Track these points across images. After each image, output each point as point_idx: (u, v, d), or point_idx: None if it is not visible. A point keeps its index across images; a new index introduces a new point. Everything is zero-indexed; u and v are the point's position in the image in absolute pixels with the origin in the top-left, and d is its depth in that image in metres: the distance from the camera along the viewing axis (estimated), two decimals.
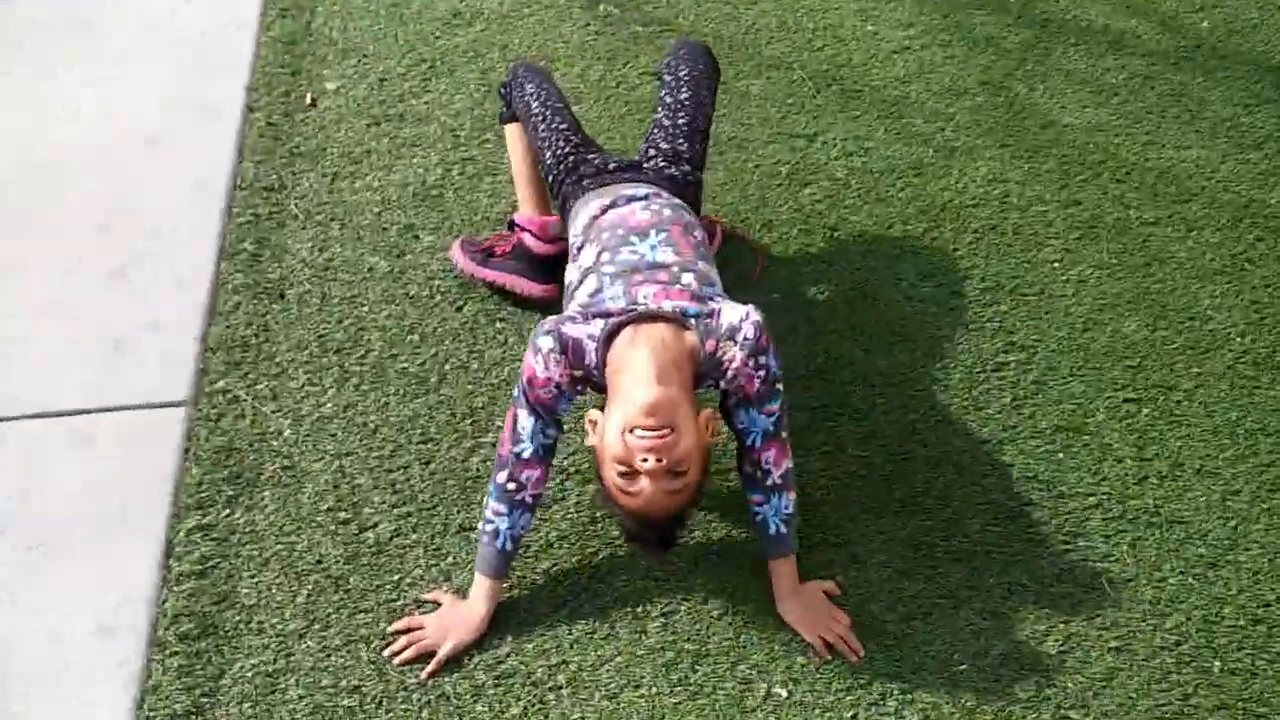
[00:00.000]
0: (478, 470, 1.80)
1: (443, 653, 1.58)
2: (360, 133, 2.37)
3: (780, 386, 1.63)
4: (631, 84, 2.54)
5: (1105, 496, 1.86)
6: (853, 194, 2.34)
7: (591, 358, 1.57)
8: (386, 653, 1.58)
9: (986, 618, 1.69)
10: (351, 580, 1.66)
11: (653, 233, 1.71)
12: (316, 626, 1.61)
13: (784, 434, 1.65)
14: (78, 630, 1.60)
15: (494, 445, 1.83)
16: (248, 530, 1.71)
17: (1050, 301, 2.17)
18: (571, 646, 1.61)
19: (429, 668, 1.57)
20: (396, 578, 1.67)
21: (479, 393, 1.92)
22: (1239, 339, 2.14)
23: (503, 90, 2.05)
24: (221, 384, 1.90)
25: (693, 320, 1.59)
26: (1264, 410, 2.02)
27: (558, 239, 1.99)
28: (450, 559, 1.70)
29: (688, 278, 1.66)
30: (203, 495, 1.74)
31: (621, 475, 1.49)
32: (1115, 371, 2.06)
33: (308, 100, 2.44)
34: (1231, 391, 2.05)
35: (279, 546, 1.69)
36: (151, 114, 2.40)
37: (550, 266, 2.01)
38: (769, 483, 1.64)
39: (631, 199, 1.78)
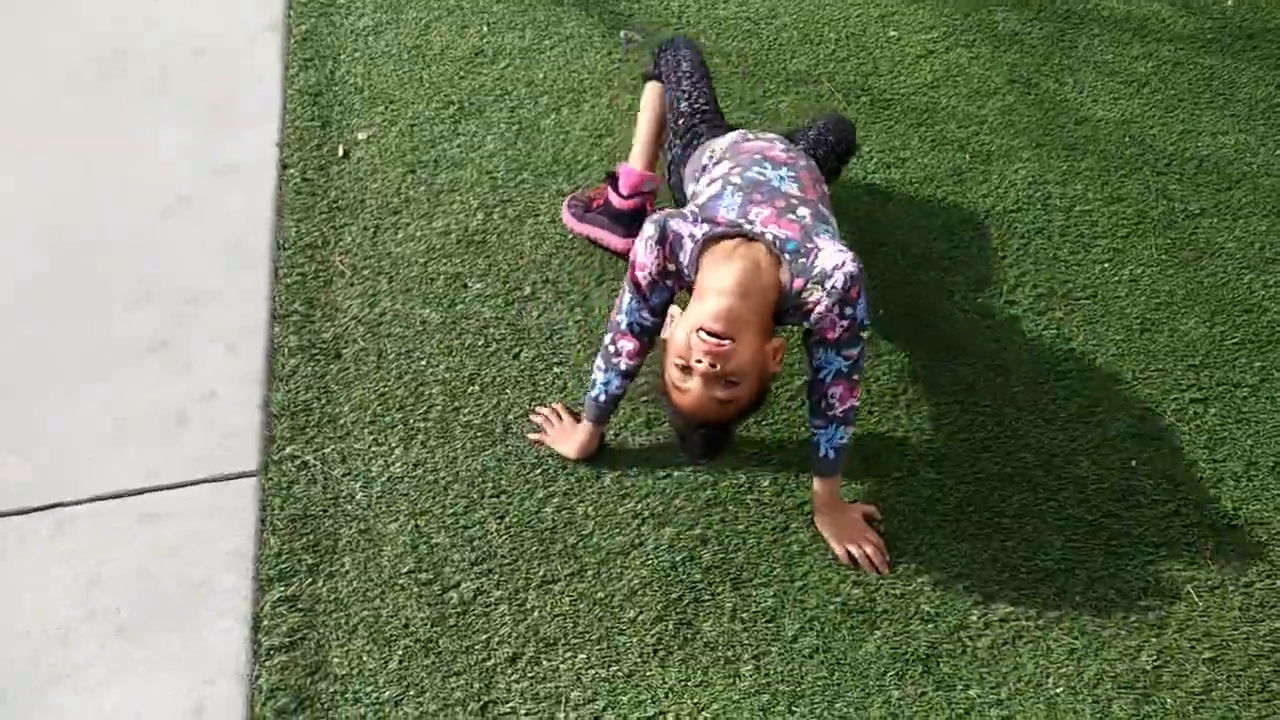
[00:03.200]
0: (553, 521, 1.80)
1: (554, 447, 1.88)
2: (396, 181, 2.37)
3: (865, 335, 1.68)
4: None
5: (1183, 503, 1.85)
6: (895, 207, 2.33)
7: (687, 256, 1.67)
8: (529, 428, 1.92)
9: (1077, 636, 1.68)
10: (440, 643, 1.66)
11: (785, 168, 1.81)
12: (411, 693, 1.61)
13: (856, 376, 1.70)
14: (172, 712, 1.60)
15: (565, 494, 1.83)
16: (332, 599, 1.71)
17: (1105, 304, 2.16)
18: (666, 696, 1.61)
19: (534, 436, 1.91)
20: (484, 637, 1.67)
21: None
22: None
23: (657, 49, 2.17)
24: (289, 450, 1.90)
25: (788, 255, 1.64)
26: None
27: (636, 194, 2.11)
28: (536, 614, 1.69)
29: (803, 211, 1.72)
30: (284, 566, 1.74)
31: (678, 369, 1.58)
32: (1179, 372, 2.04)
33: (340, 152, 2.43)
34: None
35: (365, 613, 1.69)
36: (182, 177, 2.40)
37: (630, 220, 2.10)
38: (830, 414, 1.70)
39: (774, 141, 1.92)
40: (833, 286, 1.61)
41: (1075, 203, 2.35)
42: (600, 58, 2.67)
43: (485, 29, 2.74)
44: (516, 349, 2.05)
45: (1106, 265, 2.23)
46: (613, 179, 2.17)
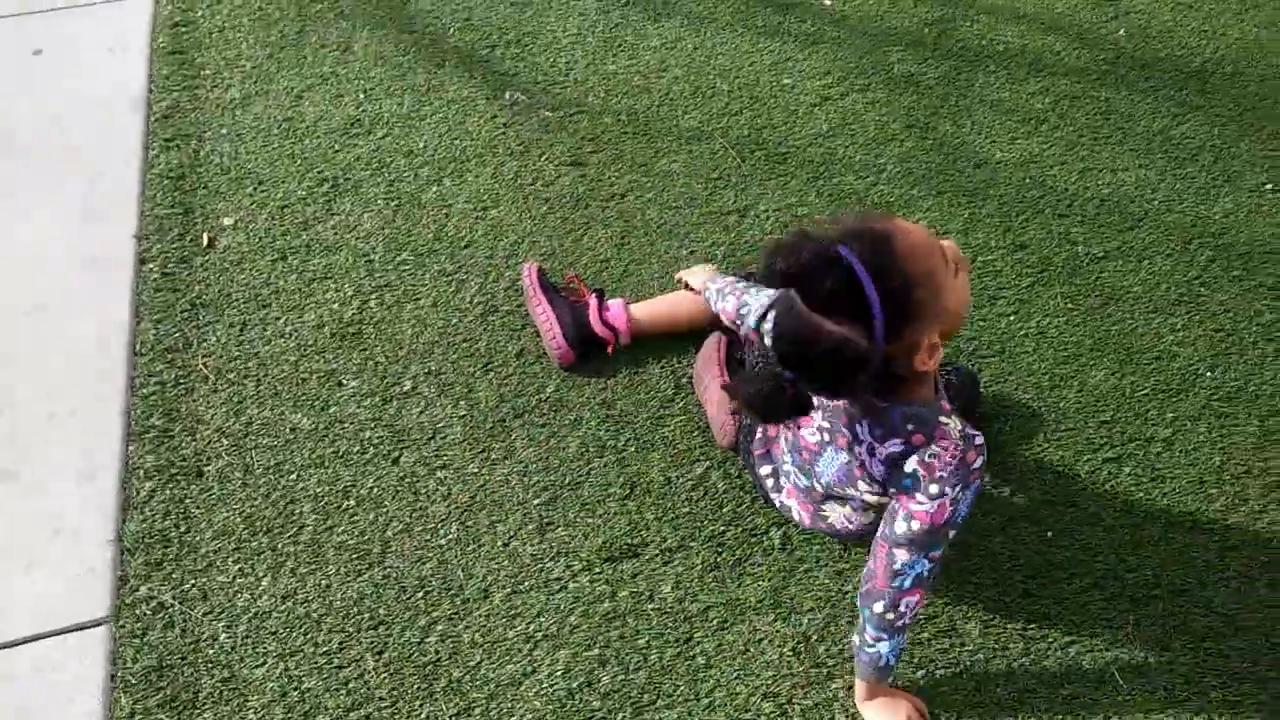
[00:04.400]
0: (436, 652, 1.66)
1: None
2: (265, 271, 2.21)
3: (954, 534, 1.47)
4: (548, 177, 2.41)
5: (1101, 575, 1.77)
6: None
7: None
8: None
9: None
10: None
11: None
12: None
13: (932, 579, 1.50)
14: None
15: (450, 619, 1.69)
16: None
17: (1013, 360, 2.08)
18: None
19: None
20: None
21: (427, 558, 1.77)
22: (1208, 374, 2.07)
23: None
24: (144, 590, 1.73)
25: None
26: (1245, 450, 1.95)
27: (613, 330, 2.02)
28: None
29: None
30: None
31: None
32: (1090, 429, 1.97)
33: (204, 241, 2.27)
34: (1210, 434, 1.97)
35: None
36: (30, 276, 2.22)
37: (587, 341, 2.02)
38: (899, 625, 1.51)
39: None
40: (965, 433, 1.43)
41: (978, 253, 2.28)
42: (484, 122, 2.54)
43: (361, 96, 2.60)
44: (395, 453, 1.90)
45: (1013, 318, 2.16)
46: (600, 295, 2.06)
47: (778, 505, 1.71)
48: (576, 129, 2.52)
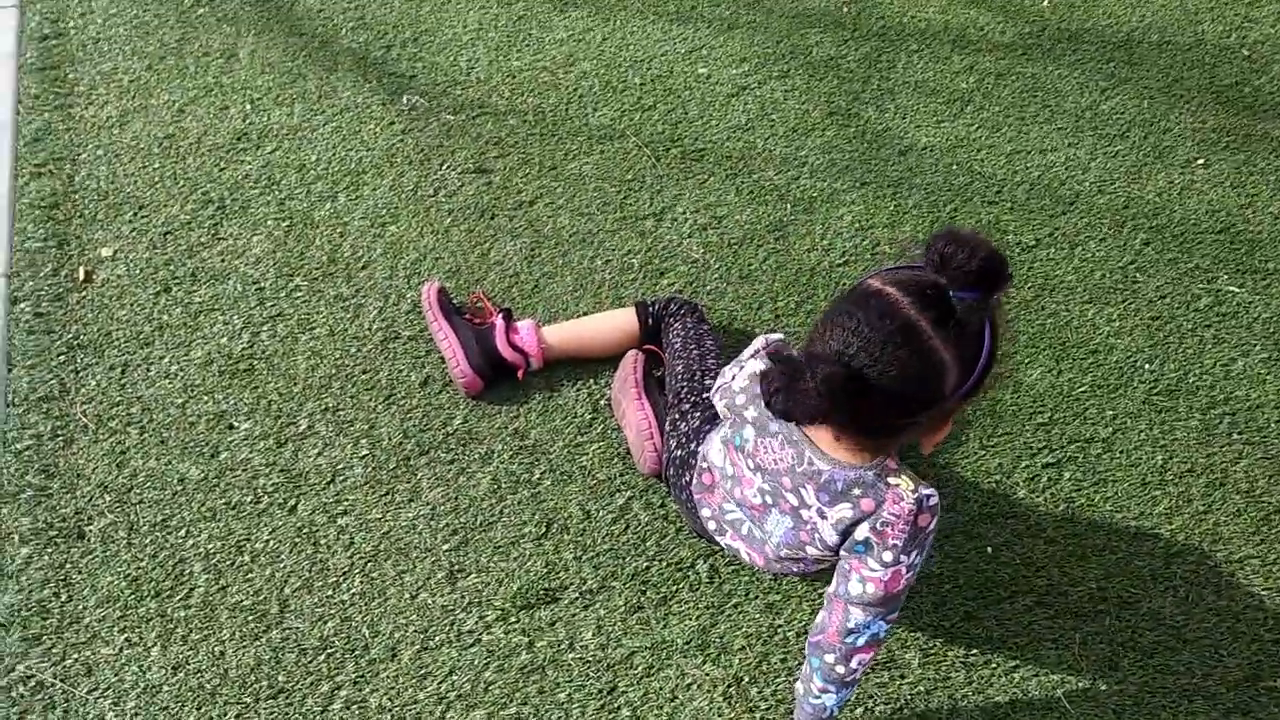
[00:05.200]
0: (340, 718, 1.53)
1: None
2: (148, 305, 2.05)
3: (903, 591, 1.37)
4: (451, 187, 2.26)
5: (1045, 590, 1.69)
6: (714, 275, 2.12)
7: None
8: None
9: None
10: None
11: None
12: None
13: (884, 638, 1.41)
14: None
15: (355, 682, 1.57)
16: None
17: None
18: None
19: None
20: None
21: (329, 615, 1.64)
22: (1147, 366, 2.00)
23: (668, 304, 1.90)
24: (21, 669, 1.58)
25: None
26: (1187, 446, 1.88)
27: (522, 354, 1.87)
28: None
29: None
30: None
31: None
32: (1028, 433, 1.89)
33: (80, 275, 2.10)
34: (1151, 432, 1.90)
35: None
36: None
37: (495, 366, 1.87)
38: (850, 680, 1.42)
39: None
40: (918, 495, 1.33)
41: (906, 247, 2.18)
42: (381, 130, 2.38)
43: (248, 107, 2.42)
44: (292, 501, 1.77)
45: None
46: (508, 315, 1.92)
47: (723, 546, 1.61)
48: (480, 132, 2.37)
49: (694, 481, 1.59)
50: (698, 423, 1.63)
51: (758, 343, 1.55)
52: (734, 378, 1.50)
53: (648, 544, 1.71)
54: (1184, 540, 1.75)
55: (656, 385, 1.83)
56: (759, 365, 1.46)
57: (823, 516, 1.37)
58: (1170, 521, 1.78)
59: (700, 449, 1.58)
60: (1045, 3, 2.79)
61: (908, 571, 1.34)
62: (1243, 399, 1.95)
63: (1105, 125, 2.47)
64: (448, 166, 2.30)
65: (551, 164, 2.31)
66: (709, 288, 2.09)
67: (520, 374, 1.90)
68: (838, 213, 2.24)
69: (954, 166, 2.35)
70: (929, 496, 1.32)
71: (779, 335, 1.57)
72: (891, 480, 1.33)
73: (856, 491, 1.34)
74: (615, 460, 1.81)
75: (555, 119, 2.42)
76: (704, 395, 1.67)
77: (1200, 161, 2.38)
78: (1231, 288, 2.13)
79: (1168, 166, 2.37)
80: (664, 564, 1.69)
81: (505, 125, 2.39)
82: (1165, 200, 2.30)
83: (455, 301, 2.01)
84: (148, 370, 1.95)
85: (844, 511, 1.35)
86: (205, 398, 1.90)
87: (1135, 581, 1.70)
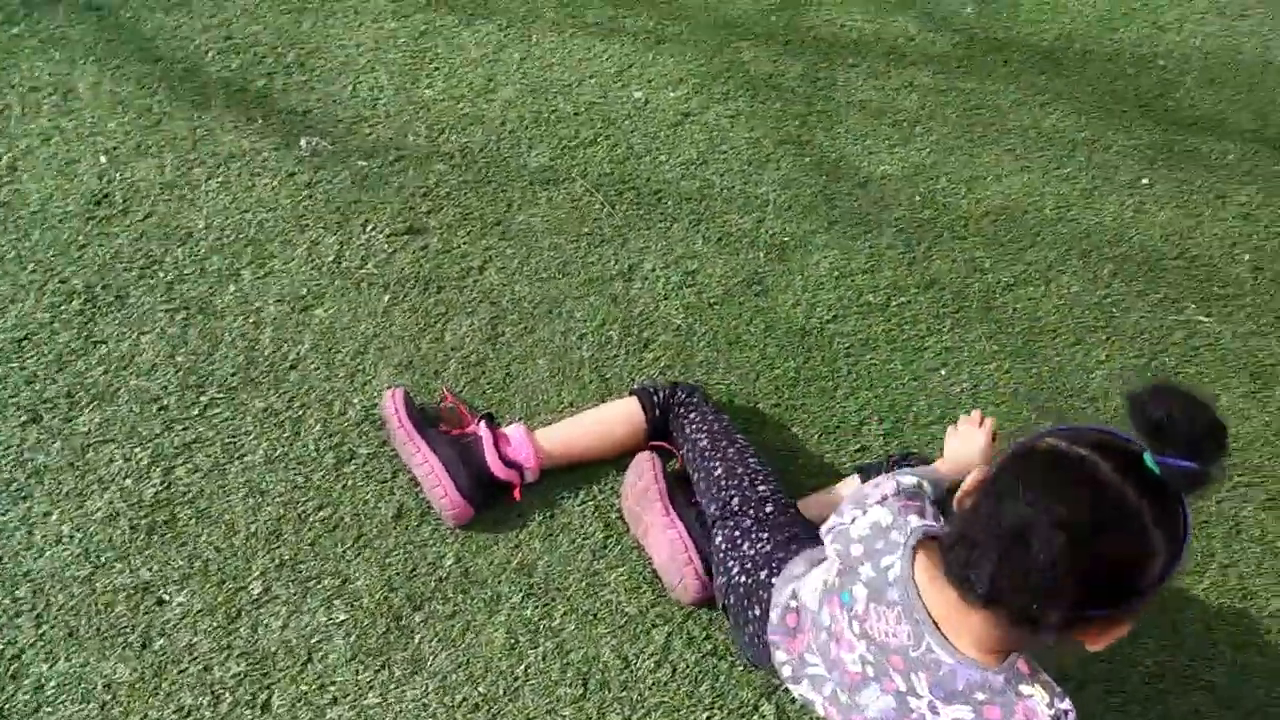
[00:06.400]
0: None
1: None
2: (13, 443, 1.61)
3: None
4: (381, 254, 1.91)
5: (1106, 676, 1.61)
6: (702, 342, 1.90)
7: None
8: None
9: None
10: None
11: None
12: None
13: None
14: None
15: None
16: None
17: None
18: None
19: None
20: None
21: None
22: None
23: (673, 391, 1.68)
24: None
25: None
26: (1196, 510, 1.85)
27: (517, 468, 1.59)
28: None
29: None
30: None
31: None
32: None
33: None
34: None
35: None
36: None
37: (487, 490, 1.58)
38: None
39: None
40: (1056, 710, 1.12)
41: (890, 296, 2.04)
42: (279, 183, 1.99)
43: (103, 160, 1.96)
44: (263, 695, 1.43)
45: (943, 373, 1.94)
46: (490, 420, 1.62)
47: (794, 693, 1.41)
48: (403, 182, 2.02)
49: (773, 619, 1.38)
50: (768, 546, 1.42)
51: (887, 486, 1.34)
52: (854, 520, 1.30)
53: (701, 689, 1.51)
54: (1217, 600, 1.73)
55: (679, 488, 1.61)
56: (885, 515, 1.26)
57: (934, 712, 1.19)
58: (1201, 580, 1.75)
59: (778, 580, 1.38)
60: (969, 10, 2.69)
61: None
62: (1234, 437, 1.95)
63: (1050, 145, 2.41)
64: (372, 228, 1.95)
65: (495, 218, 2.00)
66: (699, 359, 1.87)
67: (516, 493, 1.62)
68: (812, 259, 2.06)
69: (916, 199, 2.23)
70: (1067, 714, 1.15)
71: (911, 479, 1.36)
72: (1024, 689, 1.15)
73: (980, 696, 1.16)
74: (644, 588, 1.58)
75: (487, 161, 2.10)
76: (768, 510, 1.47)
77: (1145, 181, 2.37)
78: (1200, 317, 2.13)
79: (1117, 188, 2.34)
80: (725, 712, 1.49)
81: (431, 171, 2.05)
82: (1121, 225, 2.27)
83: (419, 402, 1.69)
84: (29, 535, 1.53)
85: (963, 714, 1.17)
86: (118, 565, 1.51)
87: (1185, 653, 1.66)
